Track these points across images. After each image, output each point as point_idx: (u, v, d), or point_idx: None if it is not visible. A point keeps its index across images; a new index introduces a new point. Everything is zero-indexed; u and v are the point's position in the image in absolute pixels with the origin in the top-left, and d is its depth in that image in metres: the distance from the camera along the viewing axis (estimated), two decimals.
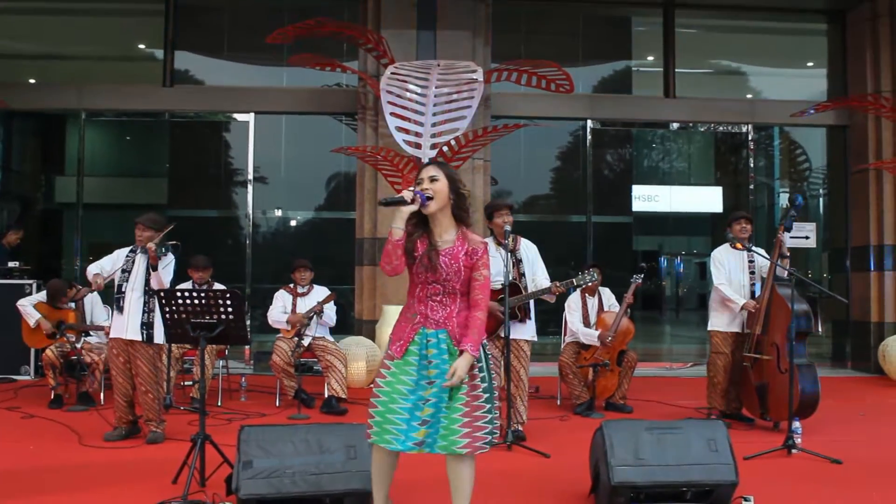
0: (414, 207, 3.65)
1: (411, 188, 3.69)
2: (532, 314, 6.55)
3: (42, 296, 8.19)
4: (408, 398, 3.65)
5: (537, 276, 6.53)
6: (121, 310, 6.15)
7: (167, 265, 6.17)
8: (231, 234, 12.94)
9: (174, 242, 6.23)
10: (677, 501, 4.40)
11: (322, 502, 4.24)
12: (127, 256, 6.25)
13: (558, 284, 6.33)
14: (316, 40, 10.23)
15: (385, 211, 10.15)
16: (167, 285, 6.03)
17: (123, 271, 6.18)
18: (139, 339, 6.10)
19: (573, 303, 8.09)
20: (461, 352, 3.64)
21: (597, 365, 7.60)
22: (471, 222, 3.86)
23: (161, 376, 6.33)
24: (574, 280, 6.52)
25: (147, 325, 6.10)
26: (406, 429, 3.63)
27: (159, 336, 6.09)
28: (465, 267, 3.71)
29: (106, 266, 6.27)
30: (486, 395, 3.72)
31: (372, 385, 3.77)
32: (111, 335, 6.27)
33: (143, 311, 6.11)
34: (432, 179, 3.71)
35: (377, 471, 3.86)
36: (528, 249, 6.61)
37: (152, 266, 6.03)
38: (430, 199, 3.66)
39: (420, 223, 3.76)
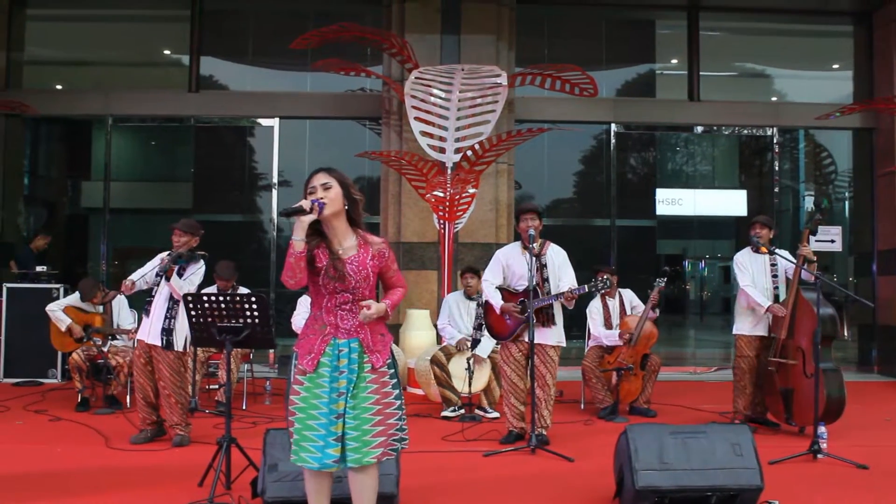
0: (314, 217, 3.52)
1: (310, 199, 3.57)
2: (557, 319, 6.40)
3: (69, 299, 8.22)
4: (323, 412, 3.54)
5: (563, 281, 6.36)
6: (147, 313, 6.23)
7: (193, 273, 6.17)
8: (255, 239, 13.00)
9: (202, 253, 6.28)
10: None
11: None
12: (161, 261, 6.29)
13: (571, 289, 6.21)
14: (340, 45, 10.28)
15: (409, 215, 10.18)
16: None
17: (157, 275, 6.23)
18: (159, 344, 6.15)
19: (594, 308, 8.04)
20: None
21: (620, 369, 7.57)
22: (364, 225, 3.78)
23: (185, 380, 6.36)
24: (586, 286, 6.29)
25: (167, 332, 6.13)
26: (323, 445, 3.51)
27: (179, 344, 6.15)
28: (374, 272, 3.68)
29: (145, 270, 6.33)
30: (399, 403, 3.64)
31: (287, 403, 3.65)
32: (138, 336, 6.33)
33: (165, 318, 6.15)
34: (325, 187, 3.61)
35: (313, 494, 3.68)
36: (555, 255, 6.46)
37: (165, 277, 6.07)
38: (324, 205, 3.55)
39: (314, 233, 3.62)
